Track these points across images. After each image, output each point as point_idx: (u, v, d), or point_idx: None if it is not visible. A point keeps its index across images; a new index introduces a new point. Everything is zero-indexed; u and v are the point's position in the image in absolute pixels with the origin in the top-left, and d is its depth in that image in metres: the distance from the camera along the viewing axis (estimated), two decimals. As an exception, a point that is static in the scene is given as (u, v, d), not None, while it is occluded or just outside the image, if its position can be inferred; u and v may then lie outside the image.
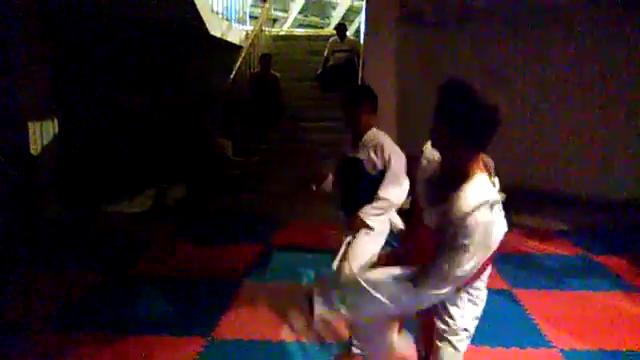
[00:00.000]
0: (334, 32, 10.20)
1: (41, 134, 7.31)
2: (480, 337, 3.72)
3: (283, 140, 8.55)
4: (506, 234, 1.94)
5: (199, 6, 7.44)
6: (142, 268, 5.16)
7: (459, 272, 1.91)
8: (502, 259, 5.43)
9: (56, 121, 7.62)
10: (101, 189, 7.60)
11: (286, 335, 3.79)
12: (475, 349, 3.60)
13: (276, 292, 4.62)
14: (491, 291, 4.59)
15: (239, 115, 8.60)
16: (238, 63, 9.17)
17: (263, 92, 8.60)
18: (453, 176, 1.96)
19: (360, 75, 7.88)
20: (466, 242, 1.84)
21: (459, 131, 1.91)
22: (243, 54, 9.45)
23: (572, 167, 7.46)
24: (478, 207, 1.84)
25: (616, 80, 7.20)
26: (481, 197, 1.86)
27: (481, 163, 1.99)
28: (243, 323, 4.01)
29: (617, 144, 7.29)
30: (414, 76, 7.85)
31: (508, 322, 4.03)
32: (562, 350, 3.61)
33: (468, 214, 1.83)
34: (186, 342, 3.68)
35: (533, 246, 5.90)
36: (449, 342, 2.17)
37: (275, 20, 14.28)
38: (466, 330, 2.20)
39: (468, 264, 1.89)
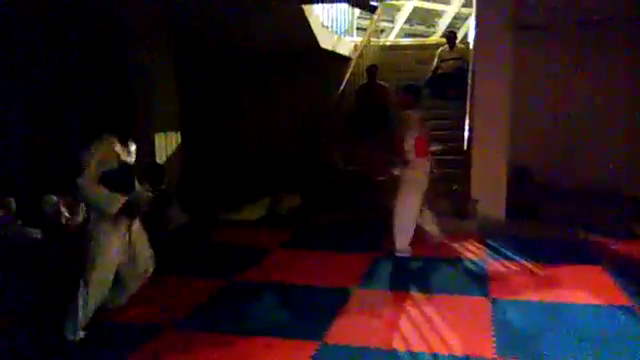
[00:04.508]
0: (440, 40, 10.14)
1: (166, 145, 7.89)
2: (603, 357, 3.56)
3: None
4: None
5: (311, 22, 7.74)
6: (258, 274, 5.40)
7: None
8: (624, 272, 5.11)
9: (179, 133, 8.20)
10: (219, 198, 8.03)
11: (397, 343, 3.82)
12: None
13: (388, 300, 4.68)
14: (613, 307, 4.37)
15: (349, 126, 8.77)
16: (348, 74, 9.36)
17: (371, 102, 8.72)
18: None
19: (470, 83, 7.76)
20: None
21: None
22: (352, 65, 9.63)
23: None
24: None
25: None
26: None
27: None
28: (355, 329, 4.08)
29: None
30: (526, 82, 7.62)
31: (632, 341, 3.80)
32: (696, 374, 3.35)
33: None
34: (299, 346, 3.80)
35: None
36: None
37: (382, 30, 14.36)
38: None
39: None
